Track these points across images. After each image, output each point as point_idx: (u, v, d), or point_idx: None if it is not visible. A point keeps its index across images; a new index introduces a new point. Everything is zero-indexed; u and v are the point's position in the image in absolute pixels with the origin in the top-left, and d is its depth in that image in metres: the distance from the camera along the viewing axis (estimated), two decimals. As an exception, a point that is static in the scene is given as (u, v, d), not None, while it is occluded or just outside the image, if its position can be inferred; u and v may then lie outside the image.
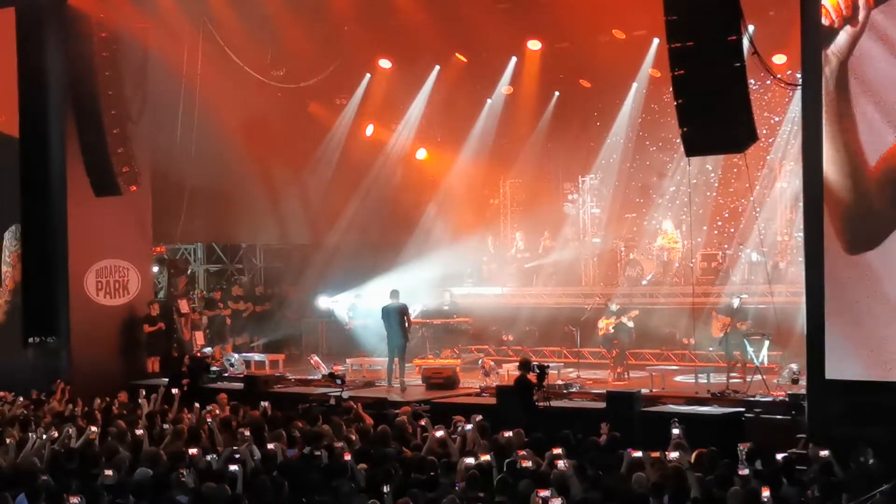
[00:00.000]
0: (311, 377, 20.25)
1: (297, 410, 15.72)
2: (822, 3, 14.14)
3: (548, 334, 22.50)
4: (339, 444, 12.48)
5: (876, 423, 13.60)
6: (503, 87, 24.81)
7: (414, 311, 22.78)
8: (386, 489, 10.07)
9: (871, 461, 11.35)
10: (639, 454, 11.34)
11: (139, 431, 13.53)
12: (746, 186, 20.53)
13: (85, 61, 20.63)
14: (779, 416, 15.26)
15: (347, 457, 11.35)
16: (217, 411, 15.39)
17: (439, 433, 12.62)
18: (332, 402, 16.90)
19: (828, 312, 14.38)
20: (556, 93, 24.86)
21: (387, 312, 19.85)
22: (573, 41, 22.70)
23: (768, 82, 21.25)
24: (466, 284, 24.98)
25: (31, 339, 21.64)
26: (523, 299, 23.78)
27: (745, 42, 14.61)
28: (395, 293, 20.08)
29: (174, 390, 16.92)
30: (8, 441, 13.31)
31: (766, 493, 9.57)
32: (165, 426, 14.04)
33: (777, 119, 22.12)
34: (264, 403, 15.62)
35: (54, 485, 10.64)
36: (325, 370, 19.72)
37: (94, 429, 13.63)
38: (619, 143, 24.29)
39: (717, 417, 15.51)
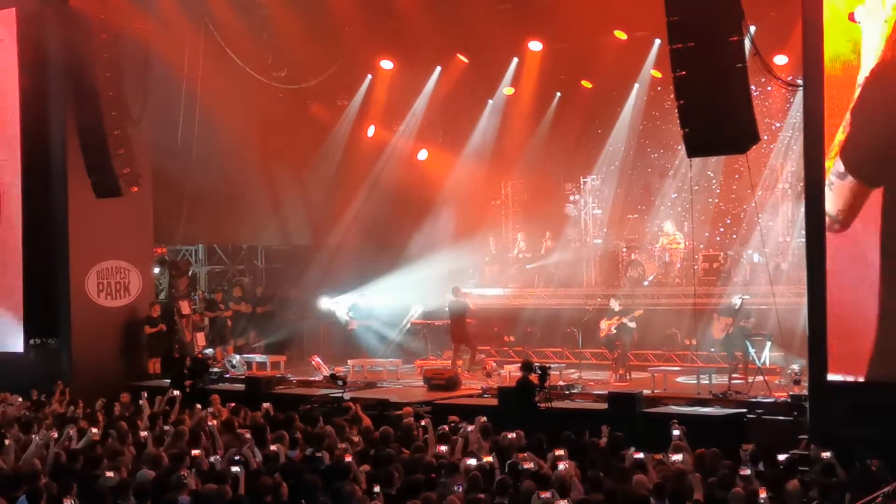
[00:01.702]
0: (313, 378, 20.23)
1: (297, 411, 15.69)
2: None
3: (549, 335, 22.48)
4: (343, 446, 12.49)
5: (878, 423, 13.59)
6: (504, 87, 24.81)
7: (415, 312, 22.85)
8: (377, 489, 10.07)
9: (873, 462, 11.34)
10: (640, 455, 11.33)
11: (143, 433, 13.52)
12: (748, 192, 20.55)
13: (86, 62, 20.63)
14: (781, 417, 15.22)
15: (348, 458, 11.33)
16: (216, 413, 15.38)
17: (443, 447, 12.54)
18: (333, 403, 16.92)
19: (829, 313, 14.38)
20: (558, 94, 24.85)
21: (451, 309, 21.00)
22: (574, 42, 22.67)
23: (769, 88, 21.28)
24: (468, 285, 24.94)
25: (32, 341, 21.66)
26: (525, 300, 23.76)
27: (747, 43, 14.59)
28: (456, 290, 20.94)
29: (175, 392, 16.94)
30: (8, 442, 13.29)
31: (763, 494, 9.55)
32: (167, 427, 14.03)
33: (778, 125, 22.08)
34: (265, 405, 15.62)
35: (55, 486, 10.62)
36: (326, 371, 19.72)
37: (94, 430, 13.64)
38: (621, 144, 24.25)
39: (719, 418, 15.51)
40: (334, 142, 25.57)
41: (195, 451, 12.08)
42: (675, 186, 23.46)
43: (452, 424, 13.61)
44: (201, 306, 24.49)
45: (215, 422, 14.29)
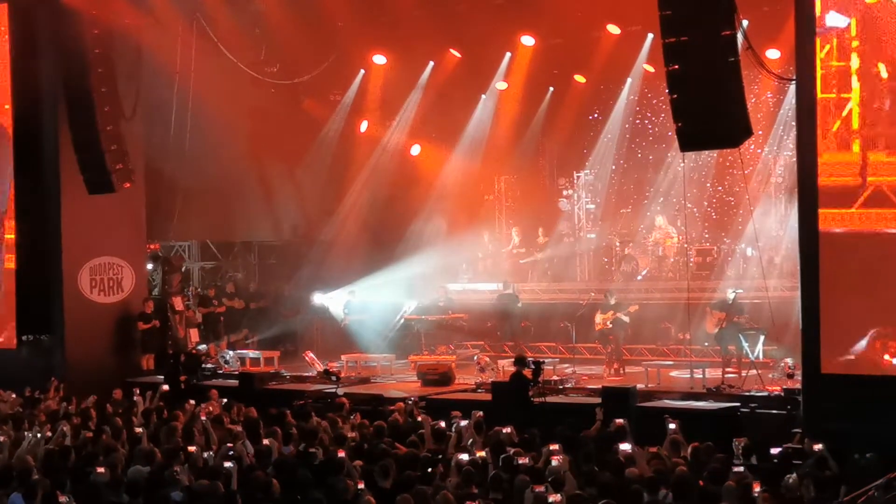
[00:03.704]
0: (307, 374, 20.22)
1: (290, 407, 15.67)
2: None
3: (543, 330, 22.49)
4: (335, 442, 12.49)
5: (871, 417, 13.61)
6: (497, 82, 24.80)
7: (409, 308, 22.84)
8: (361, 486, 10.07)
9: (867, 456, 11.37)
10: (628, 447, 11.37)
11: (137, 429, 13.51)
12: (741, 186, 20.54)
13: (78, 58, 20.56)
14: (774, 411, 15.26)
15: (341, 454, 11.32)
16: (210, 408, 15.35)
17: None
18: (327, 398, 16.91)
19: (823, 306, 14.40)
20: (551, 88, 24.86)
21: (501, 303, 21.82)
22: (567, 37, 22.68)
23: (757, 88, 21.26)
24: (462, 280, 24.97)
25: (25, 337, 21.61)
26: (519, 295, 23.72)
27: (740, 37, 14.60)
28: (507, 284, 21.57)
29: (165, 387, 16.93)
30: (2, 439, 13.27)
31: (756, 488, 9.56)
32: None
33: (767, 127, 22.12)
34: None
35: (48, 483, 10.60)
36: (320, 367, 19.71)
37: (89, 426, 13.63)
38: (614, 138, 24.29)
39: (712, 412, 15.51)
40: (327, 137, 25.53)
41: (190, 447, 12.05)
42: (668, 180, 23.47)
43: (454, 422, 13.57)
44: (194, 302, 24.44)
45: (205, 416, 14.26)
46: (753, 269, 20.23)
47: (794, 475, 10.37)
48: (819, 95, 14.51)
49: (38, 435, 13.21)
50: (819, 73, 14.50)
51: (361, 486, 10.13)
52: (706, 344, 19.94)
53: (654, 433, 12.81)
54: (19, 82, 21.59)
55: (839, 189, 14.50)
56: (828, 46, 14.46)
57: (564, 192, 24.94)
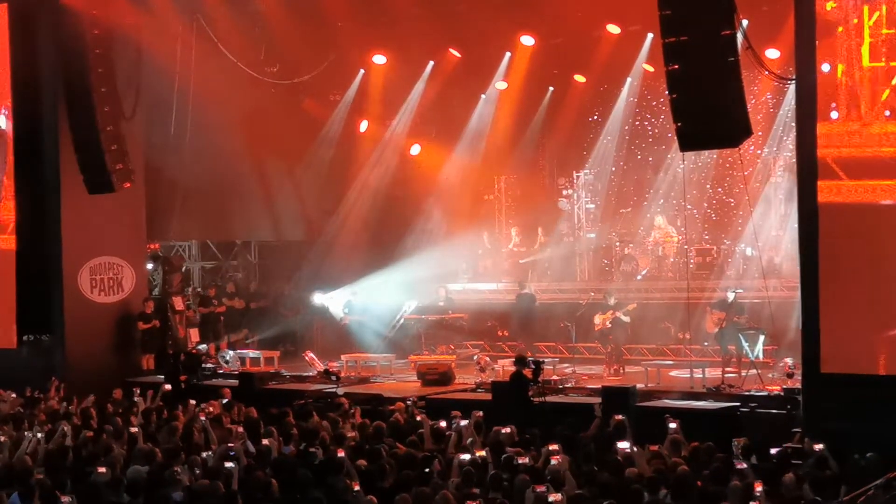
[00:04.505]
0: (307, 374, 20.23)
1: (291, 407, 15.69)
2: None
3: (543, 329, 22.48)
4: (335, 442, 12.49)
5: (871, 417, 13.62)
6: (497, 82, 24.81)
7: (409, 308, 22.85)
8: (356, 488, 10.07)
9: (867, 456, 11.37)
10: (626, 446, 11.38)
11: (134, 429, 13.51)
12: (741, 186, 20.48)
13: (78, 58, 20.57)
14: (774, 411, 15.26)
15: (341, 453, 11.33)
16: (211, 409, 15.35)
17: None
18: (327, 398, 16.92)
19: (823, 306, 14.41)
20: (551, 88, 24.87)
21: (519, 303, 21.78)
22: (567, 36, 22.70)
23: (756, 88, 21.27)
24: (461, 280, 24.97)
25: (25, 337, 21.61)
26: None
27: (739, 36, 14.61)
28: (522, 284, 21.69)
29: (167, 387, 16.94)
30: (2, 439, 13.27)
31: (759, 487, 9.56)
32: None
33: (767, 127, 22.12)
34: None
35: (48, 483, 10.61)
36: (320, 367, 19.71)
37: (91, 425, 13.64)
38: (614, 138, 24.31)
39: (712, 412, 15.52)
40: (327, 137, 25.55)
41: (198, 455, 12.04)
42: (668, 182, 23.48)
43: (455, 421, 13.57)
44: (195, 302, 24.45)
45: (205, 416, 14.25)
46: (753, 269, 20.23)
47: (790, 475, 10.39)
48: (867, 64, 14.32)
49: (39, 435, 13.21)
50: (867, 41, 14.31)
51: (357, 487, 10.12)
52: (706, 344, 19.95)
53: (654, 433, 12.82)
54: (19, 83, 21.59)
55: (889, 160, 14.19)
56: (877, 14, 14.22)
57: (564, 192, 24.94)
